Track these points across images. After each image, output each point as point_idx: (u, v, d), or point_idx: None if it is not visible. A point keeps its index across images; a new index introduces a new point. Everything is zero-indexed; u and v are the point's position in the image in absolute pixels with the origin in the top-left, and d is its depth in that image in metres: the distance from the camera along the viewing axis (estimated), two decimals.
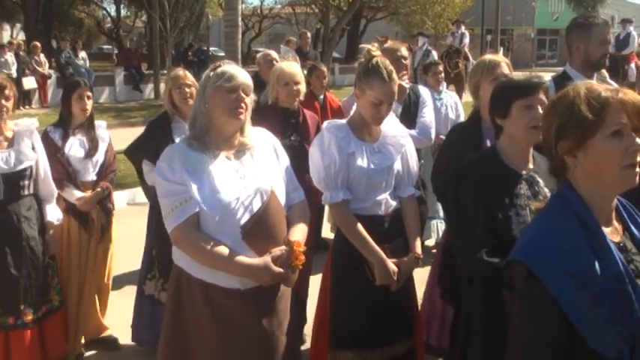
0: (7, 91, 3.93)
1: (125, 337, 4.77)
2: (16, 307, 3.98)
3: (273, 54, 7.07)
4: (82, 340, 4.65)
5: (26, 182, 4.02)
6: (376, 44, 3.46)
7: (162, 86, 20.81)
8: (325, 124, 3.47)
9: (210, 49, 33.19)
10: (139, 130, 4.99)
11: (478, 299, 2.82)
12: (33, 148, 4.06)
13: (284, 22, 40.60)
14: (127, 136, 7.22)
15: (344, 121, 3.49)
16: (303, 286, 4.48)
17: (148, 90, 23.04)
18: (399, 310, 3.43)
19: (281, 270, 2.76)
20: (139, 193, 8.57)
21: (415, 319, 3.61)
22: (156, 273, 4.53)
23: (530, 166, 2.87)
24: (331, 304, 3.46)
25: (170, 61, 21.64)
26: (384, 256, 3.28)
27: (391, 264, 3.29)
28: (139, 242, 4.80)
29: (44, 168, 4.14)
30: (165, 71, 21.60)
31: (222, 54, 18.55)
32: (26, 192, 4.04)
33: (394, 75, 3.30)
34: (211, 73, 2.86)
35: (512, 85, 2.91)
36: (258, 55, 7.55)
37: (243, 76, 2.85)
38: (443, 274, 3.94)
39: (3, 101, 3.92)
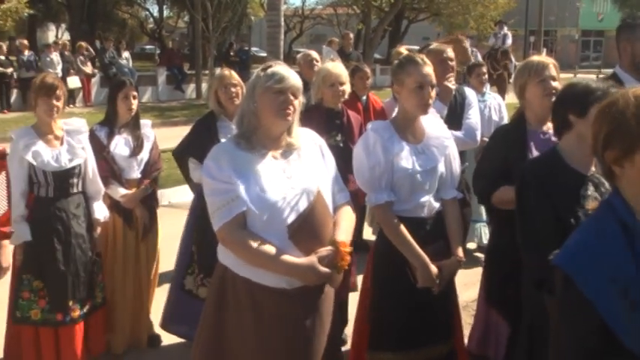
0: (58, 91, 4.02)
1: (167, 334, 4.81)
2: (65, 303, 4.05)
3: (314, 54, 7.06)
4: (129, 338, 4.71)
5: (75, 180, 4.11)
6: (402, 46, 3.48)
7: (204, 86, 21.06)
8: (370, 124, 3.46)
9: (252, 49, 33.41)
10: (180, 130, 5.03)
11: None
12: (82, 147, 4.14)
13: (325, 22, 40.56)
14: (168, 135, 7.30)
15: (388, 121, 3.47)
16: (344, 287, 4.47)
17: (190, 90, 23.28)
18: (439, 312, 3.42)
19: (327, 270, 2.75)
20: (173, 194, 8.70)
21: (455, 321, 3.59)
22: (195, 268, 4.57)
23: (593, 168, 2.84)
24: (372, 305, 3.45)
25: (212, 62, 21.82)
26: (426, 259, 3.27)
27: (433, 267, 3.28)
28: (177, 241, 4.83)
29: (92, 166, 4.22)
30: (207, 71, 21.81)
31: (264, 54, 18.69)
32: (75, 190, 4.13)
33: (427, 60, 3.33)
34: (262, 73, 2.86)
35: (596, 87, 2.87)
36: (299, 56, 7.55)
37: (293, 78, 2.84)
38: (488, 278, 3.88)
39: (54, 101, 4.01)
